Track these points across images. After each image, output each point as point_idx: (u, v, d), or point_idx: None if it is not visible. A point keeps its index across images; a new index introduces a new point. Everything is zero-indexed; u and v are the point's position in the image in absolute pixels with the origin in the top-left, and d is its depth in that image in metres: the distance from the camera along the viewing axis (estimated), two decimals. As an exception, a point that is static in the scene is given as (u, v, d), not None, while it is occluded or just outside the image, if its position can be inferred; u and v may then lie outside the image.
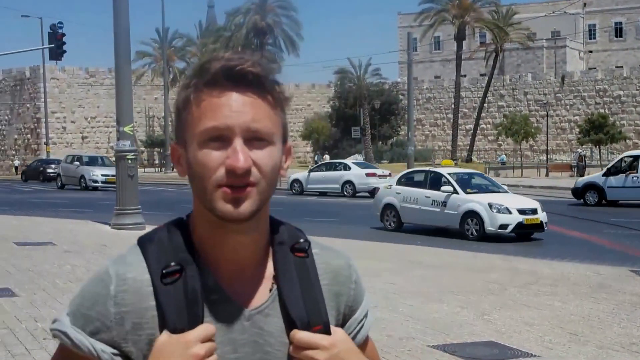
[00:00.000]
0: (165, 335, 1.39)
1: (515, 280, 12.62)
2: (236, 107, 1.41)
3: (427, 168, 25.71)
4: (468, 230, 19.97)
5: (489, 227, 19.45)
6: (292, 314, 1.50)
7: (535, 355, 7.86)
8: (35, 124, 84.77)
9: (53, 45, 38.41)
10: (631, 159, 30.76)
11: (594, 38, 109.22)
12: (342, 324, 1.62)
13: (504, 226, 19.45)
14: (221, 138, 1.40)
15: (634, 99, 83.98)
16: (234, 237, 1.47)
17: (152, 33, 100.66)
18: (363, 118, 77.52)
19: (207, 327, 1.41)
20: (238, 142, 1.40)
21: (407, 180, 22.90)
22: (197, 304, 1.42)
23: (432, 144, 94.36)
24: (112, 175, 31.31)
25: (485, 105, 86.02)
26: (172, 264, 1.43)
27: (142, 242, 1.49)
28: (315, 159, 51.49)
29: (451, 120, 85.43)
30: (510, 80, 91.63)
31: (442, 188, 20.67)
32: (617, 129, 69.56)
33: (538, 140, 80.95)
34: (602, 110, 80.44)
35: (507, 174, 60.33)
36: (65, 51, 38.57)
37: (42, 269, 12.54)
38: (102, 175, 42.31)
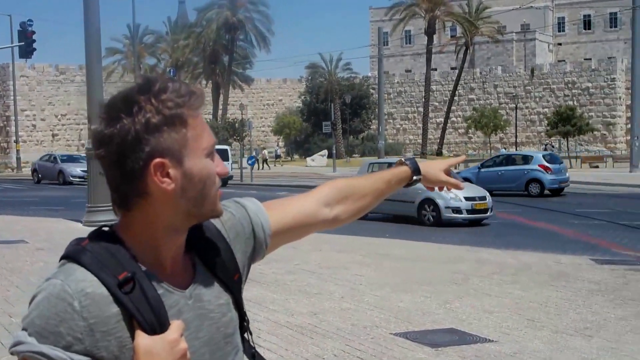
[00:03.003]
0: (147, 338, 1.60)
1: (479, 271, 12.99)
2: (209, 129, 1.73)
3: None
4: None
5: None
6: (218, 274, 1.79)
7: (492, 341, 8.22)
8: (5, 122, 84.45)
9: (23, 43, 38.35)
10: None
11: (563, 31, 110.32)
12: (254, 242, 1.94)
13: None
14: (211, 152, 1.69)
15: (602, 91, 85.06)
16: (182, 237, 1.73)
17: (122, 29, 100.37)
18: (334, 112, 77.86)
19: (179, 323, 1.64)
20: (217, 155, 1.72)
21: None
22: (160, 304, 1.64)
23: (403, 138, 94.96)
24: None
25: (456, 98, 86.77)
26: (124, 273, 1.62)
27: (76, 259, 1.63)
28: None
29: (422, 114, 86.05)
30: (480, 73, 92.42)
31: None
32: (585, 120, 70.48)
33: (508, 132, 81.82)
34: (570, 103, 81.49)
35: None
36: (35, 49, 38.53)
37: (14, 267, 12.74)
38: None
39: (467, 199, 21.41)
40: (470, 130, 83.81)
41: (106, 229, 1.71)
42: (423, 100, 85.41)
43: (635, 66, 47.89)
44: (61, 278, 1.61)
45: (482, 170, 32.90)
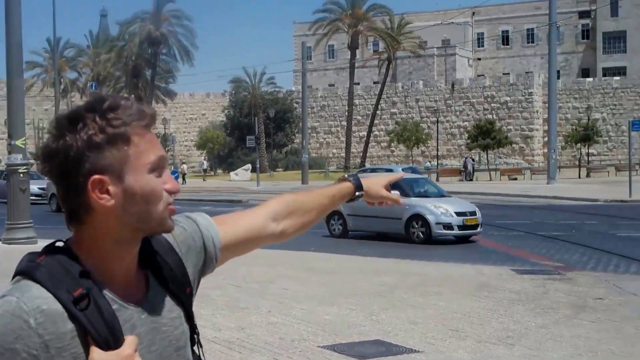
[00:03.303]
0: (101, 353, 1.63)
1: (404, 282, 13.18)
2: (159, 144, 1.75)
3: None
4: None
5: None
6: (170, 288, 1.83)
7: (418, 351, 8.37)
8: None
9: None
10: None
11: (482, 46, 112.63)
12: (205, 255, 1.98)
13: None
14: (159, 168, 1.71)
15: (520, 105, 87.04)
16: (134, 250, 1.76)
17: (43, 42, 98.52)
18: (258, 127, 77.86)
19: (133, 339, 1.67)
20: (168, 170, 1.74)
21: None
22: (114, 320, 1.67)
23: (327, 152, 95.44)
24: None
25: (378, 112, 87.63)
26: (79, 290, 1.65)
27: (31, 275, 1.65)
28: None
29: (345, 128, 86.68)
30: (402, 87, 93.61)
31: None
32: (503, 134, 72.03)
33: (429, 145, 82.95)
34: (490, 116, 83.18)
35: (400, 180, 61.59)
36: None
37: None
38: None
39: (458, 214, 20.33)
40: (392, 144, 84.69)
41: (60, 243, 1.74)
42: (346, 114, 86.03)
43: (551, 81, 49.23)
44: (17, 295, 1.62)
45: None
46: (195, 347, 1.92)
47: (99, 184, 1.65)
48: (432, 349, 8.47)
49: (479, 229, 20.71)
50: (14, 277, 1.69)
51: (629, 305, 11.27)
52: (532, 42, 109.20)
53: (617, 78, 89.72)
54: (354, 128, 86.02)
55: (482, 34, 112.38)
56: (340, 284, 13.13)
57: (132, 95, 1.84)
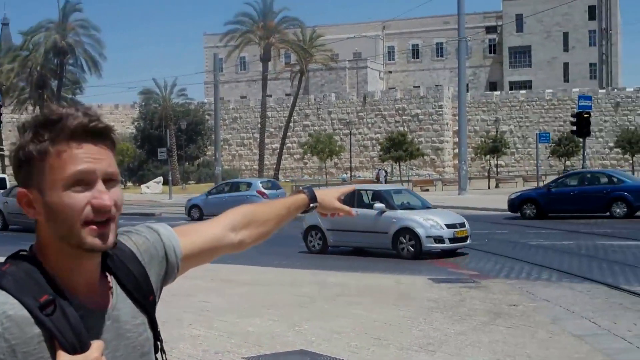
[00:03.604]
0: (68, 358, 1.65)
1: (323, 293, 13.28)
2: (95, 156, 1.72)
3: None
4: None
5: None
6: (134, 295, 1.87)
7: (343, 360, 8.46)
8: None
9: None
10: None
11: (393, 59, 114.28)
12: (167, 265, 2.02)
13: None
14: (84, 182, 1.69)
15: (431, 117, 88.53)
16: (86, 262, 1.77)
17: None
18: (169, 139, 77.00)
19: (100, 343, 1.71)
20: (100, 184, 1.71)
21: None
22: (80, 325, 1.70)
23: (239, 164, 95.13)
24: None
25: (291, 124, 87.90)
26: (45, 296, 1.68)
27: None
28: None
29: (258, 140, 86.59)
30: (314, 100, 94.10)
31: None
32: (415, 146, 73.07)
33: (342, 157, 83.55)
34: (401, 128, 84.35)
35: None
36: None
37: None
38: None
39: (448, 226, 19.26)
40: (306, 156, 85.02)
41: (25, 252, 1.77)
42: (259, 126, 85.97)
43: (461, 94, 50.27)
44: None
45: (210, 197, 36.23)
46: (158, 354, 1.96)
47: (23, 198, 1.72)
48: (356, 358, 8.56)
49: (468, 241, 19.76)
50: None
51: (542, 311, 11.62)
52: (442, 56, 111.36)
53: (523, 91, 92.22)
54: (266, 140, 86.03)
55: (393, 47, 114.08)
56: (260, 295, 13.14)
57: (82, 106, 1.83)
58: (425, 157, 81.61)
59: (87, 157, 1.71)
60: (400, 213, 19.63)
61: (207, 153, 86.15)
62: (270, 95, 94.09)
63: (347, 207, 2.64)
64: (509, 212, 32.09)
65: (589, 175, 32.28)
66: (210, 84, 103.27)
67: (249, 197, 33.55)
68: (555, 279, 15.31)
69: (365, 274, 16.26)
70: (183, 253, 2.07)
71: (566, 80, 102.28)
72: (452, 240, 19.25)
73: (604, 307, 11.93)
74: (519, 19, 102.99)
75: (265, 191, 35.17)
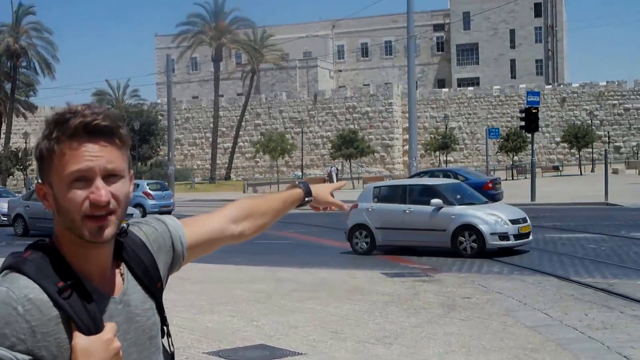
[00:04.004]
0: (83, 338, 1.79)
1: (279, 289, 13.40)
2: (94, 153, 1.83)
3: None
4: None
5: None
6: (143, 282, 2.00)
7: (302, 354, 8.60)
8: None
9: None
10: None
11: (343, 58, 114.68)
12: (173, 254, 2.15)
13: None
14: (84, 178, 1.82)
15: (380, 115, 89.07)
16: (96, 251, 1.90)
17: None
18: (122, 139, 76.25)
19: (113, 325, 1.85)
20: (99, 181, 1.83)
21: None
22: (95, 309, 1.85)
23: (191, 163, 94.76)
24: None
25: (243, 124, 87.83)
26: (63, 281, 1.82)
27: (18, 268, 1.82)
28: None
29: (210, 140, 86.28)
30: (266, 99, 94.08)
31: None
32: (366, 143, 73.50)
33: (293, 156, 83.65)
34: (352, 126, 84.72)
35: (264, 190, 62.04)
36: None
37: None
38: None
39: (512, 221, 18.07)
40: (257, 155, 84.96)
41: (46, 240, 1.92)
42: (211, 126, 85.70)
43: (411, 91, 50.54)
44: (6, 285, 1.79)
45: None
46: (164, 339, 2.09)
47: (41, 191, 1.88)
48: (315, 351, 8.71)
49: (530, 237, 18.64)
50: (1, 272, 1.85)
51: (495, 303, 11.88)
52: (390, 54, 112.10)
53: (471, 88, 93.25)
54: (218, 140, 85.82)
55: (342, 46, 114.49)
56: (216, 292, 13.22)
57: (92, 105, 1.95)
58: (375, 154, 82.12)
59: (87, 155, 1.82)
60: (459, 209, 18.36)
61: (159, 153, 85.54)
62: (222, 95, 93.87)
63: (339, 202, 2.78)
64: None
65: (439, 174, 35.31)
66: (162, 84, 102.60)
67: (135, 197, 34.65)
68: (507, 272, 15.62)
69: (319, 269, 16.40)
70: (188, 243, 2.20)
71: (513, 76, 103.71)
72: (517, 236, 18.09)
73: (555, 298, 12.24)
74: (466, 16, 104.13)
75: (152, 192, 37.58)
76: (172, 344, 2.12)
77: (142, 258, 2.04)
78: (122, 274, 1.99)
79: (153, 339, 2.01)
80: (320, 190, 2.74)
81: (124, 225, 2.07)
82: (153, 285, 2.04)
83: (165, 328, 2.08)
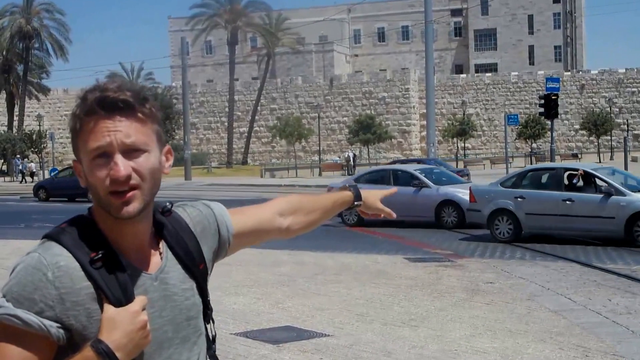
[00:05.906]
0: (112, 309, 1.80)
1: (302, 273, 13.43)
2: (112, 129, 1.82)
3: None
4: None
5: None
6: (184, 261, 2.00)
7: (329, 335, 8.64)
8: None
9: None
10: None
11: (359, 42, 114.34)
12: (219, 239, 2.15)
13: None
14: (105, 155, 1.82)
15: (397, 100, 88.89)
16: (130, 227, 1.90)
17: None
18: (138, 123, 76.45)
19: (143, 298, 1.84)
20: (118, 156, 1.80)
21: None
22: (127, 281, 1.85)
23: (207, 148, 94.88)
24: None
25: (259, 108, 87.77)
26: (97, 251, 1.83)
27: (54, 238, 1.84)
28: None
29: (225, 124, 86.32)
30: (281, 83, 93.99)
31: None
32: (383, 129, 73.36)
33: (310, 141, 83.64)
34: (369, 112, 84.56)
35: (282, 175, 62.06)
36: None
37: None
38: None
39: None
40: (274, 140, 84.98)
41: (86, 213, 1.94)
42: (226, 110, 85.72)
43: (428, 77, 50.41)
44: (39, 252, 1.82)
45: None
46: (209, 325, 2.09)
47: (76, 167, 1.91)
48: (342, 333, 8.75)
49: None
50: (41, 240, 1.88)
51: (518, 288, 11.87)
52: (407, 39, 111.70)
53: (489, 74, 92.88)
54: (234, 124, 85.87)
55: (359, 30, 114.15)
56: (240, 275, 13.25)
57: (114, 79, 1.97)
58: (392, 140, 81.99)
59: (104, 131, 1.83)
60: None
61: (175, 137, 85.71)
62: (237, 79, 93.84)
63: (388, 209, 2.75)
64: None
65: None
66: (176, 67, 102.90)
67: None
68: (529, 258, 15.59)
69: (341, 253, 16.43)
70: (235, 229, 2.18)
71: (531, 62, 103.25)
72: None
73: (578, 284, 12.22)
74: (484, 2, 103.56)
75: None
76: (214, 330, 2.12)
77: (184, 238, 2.03)
78: (160, 252, 1.98)
79: (192, 319, 1.99)
80: (370, 196, 2.72)
81: (167, 204, 2.07)
82: (195, 266, 2.02)
83: (209, 312, 2.07)
